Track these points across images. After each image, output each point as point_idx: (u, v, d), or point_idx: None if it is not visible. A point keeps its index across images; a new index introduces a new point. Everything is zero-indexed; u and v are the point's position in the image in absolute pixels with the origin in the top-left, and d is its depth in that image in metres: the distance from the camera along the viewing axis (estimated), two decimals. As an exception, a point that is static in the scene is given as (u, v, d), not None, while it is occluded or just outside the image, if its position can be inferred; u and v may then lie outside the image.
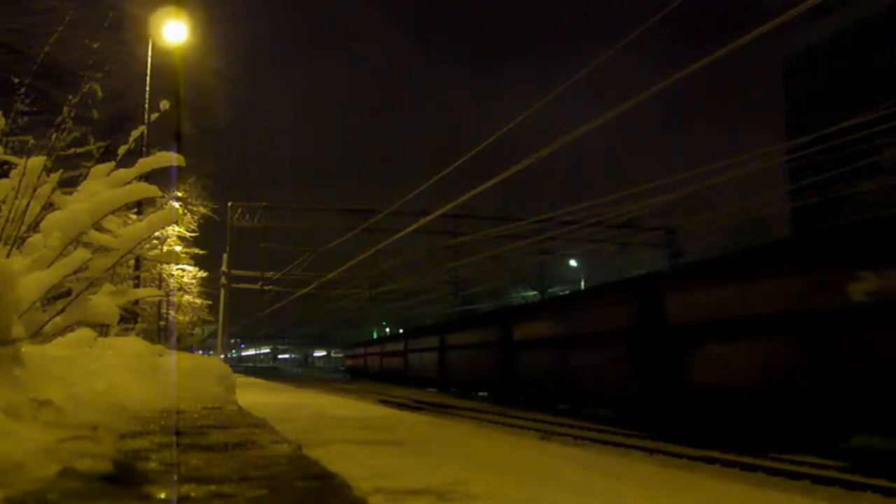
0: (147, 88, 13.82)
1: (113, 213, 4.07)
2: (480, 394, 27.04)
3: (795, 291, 11.31)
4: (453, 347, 30.02)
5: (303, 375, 62.94)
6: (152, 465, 1.84)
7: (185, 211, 20.76)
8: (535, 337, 21.48)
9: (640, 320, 15.59)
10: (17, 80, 4.42)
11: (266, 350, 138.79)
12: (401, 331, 55.51)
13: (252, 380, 27.18)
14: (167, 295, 19.43)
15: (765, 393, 11.89)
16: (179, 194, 17.11)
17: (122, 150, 4.59)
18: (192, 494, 1.50)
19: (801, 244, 13.60)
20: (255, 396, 12.49)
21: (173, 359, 4.50)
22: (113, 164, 4.33)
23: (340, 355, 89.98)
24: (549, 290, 42.35)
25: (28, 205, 3.78)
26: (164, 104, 4.77)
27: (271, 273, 34.89)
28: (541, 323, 21.64)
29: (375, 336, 71.50)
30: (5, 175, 3.93)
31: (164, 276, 19.63)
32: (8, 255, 3.59)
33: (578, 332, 18.55)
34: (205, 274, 26.68)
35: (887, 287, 9.77)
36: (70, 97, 4.30)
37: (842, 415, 10.49)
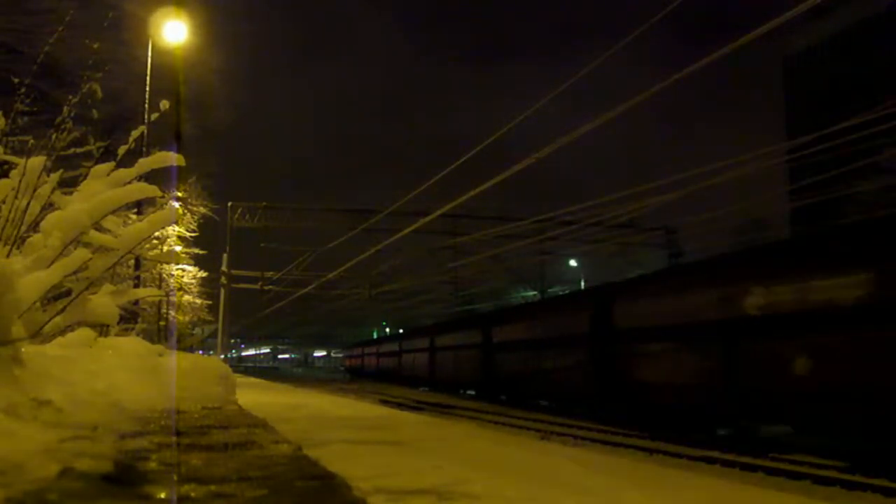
0: (147, 88, 13.81)
1: (113, 213, 4.07)
2: (469, 392, 28.68)
3: (706, 304, 13.50)
4: (442, 349, 31.94)
5: (303, 375, 62.95)
6: (152, 465, 1.84)
7: (185, 211, 20.75)
8: (511, 339, 23.51)
9: (593, 326, 17.90)
10: (17, 80, 4.42)
11: (266, 350, 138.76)
12: (400, 331, 55.91)
13: (252, 380, 27.17)
14: (167, 295, 19.41)
15: (685, 387, 14.16)
16: (179, 194, 17.09)
17: (122, 150, 4.59)
18: (192, 494, 1.50)
19: (712, 264, 15.84)
20: (255, 396, 12.48)
21: (173, 359, 4.50)
22: (113, 164, 4.33)
23: (340, 355, 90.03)
24: (550, 290, 42.34)
25: (28, 205, 3.78)
26: (164, 104, 4.77)
27: (271, 273, 34.89)
28: (516, 326, 23.78)
29: (375, 336, 71.55)
30: (5, 175, 3.93)
31: (164, 276, 19.62)
32: (8, 255, 3.59)
33: (546, 335, 20.75)
34: (205, 274, 26.70)
35: (774, 302, 11.87)
36: (70, 97, 4.30)
37: (740, 406, 12.80)
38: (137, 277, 14.27)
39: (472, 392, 28.18)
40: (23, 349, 2.61)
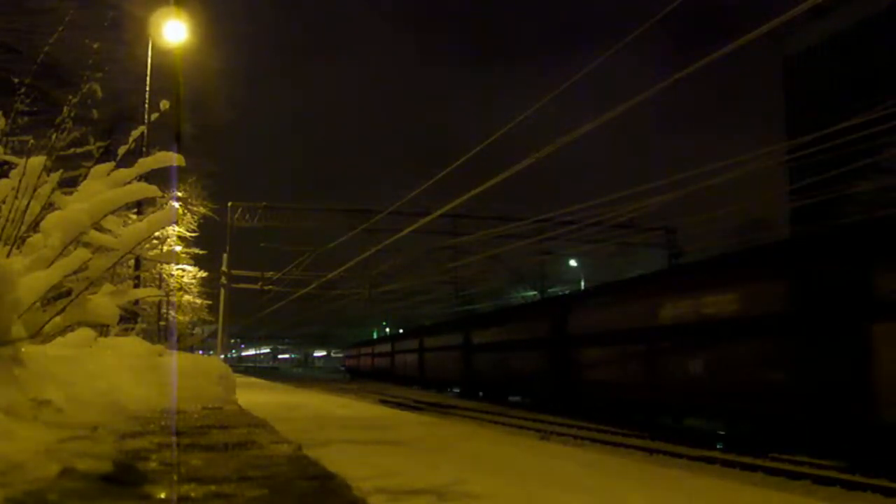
0: (147, 88, 13.81)
1: (113, 213, 4.07)
2: (455, 390, 31.43)
3: (634, 315, 16.33)
4: (429, 349, 34.80)
5: (303, 375, 62.97)
6: (152, 465, 1.84)
7: (185, 211, 20.76)
8: (486, 342, 26.55)
9: (553, 331, 20.81)
10: (17, 80, 4.41)
11: (266, 350, 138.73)
12: (399, 330, 56.23)
13: (252, 380, 27.18)
14: (167, 295, 19.42)
15: (620, 383, 17.02)
16: (179, 194, 17.10)
17: (122, 150, 4.58)
18: (192, 494, 1.50)
19: (640, 281, 19.22)
20: (255, 396, 12.49)
21: (173, 359, 4.49)
22: (113, 164, 4.33)
23: (340, 355, 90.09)
24: (550, 290, 42.33)
25: (28, 205, 3.77)
26: (164, 104, 4.76)
27: (271, 273, 34.87)
28: (490, 330, 26.83)
29: (375, 336, 71.61)
30: (5, 175, 3.93)
31: (164, 276, 19.63)
32: (8, 255, 3.59)
33: (515, 338, 23.84)
34: (205, 274, 26.71)
35: (681, 314, 14.54)
36: (70, 97, 4.29)
37: (659, 400, 15.52)
38: (137, 277, 14.27)
39: (458, 390, 31.12)
40: (23, 349, 2.61)
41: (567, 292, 32.06)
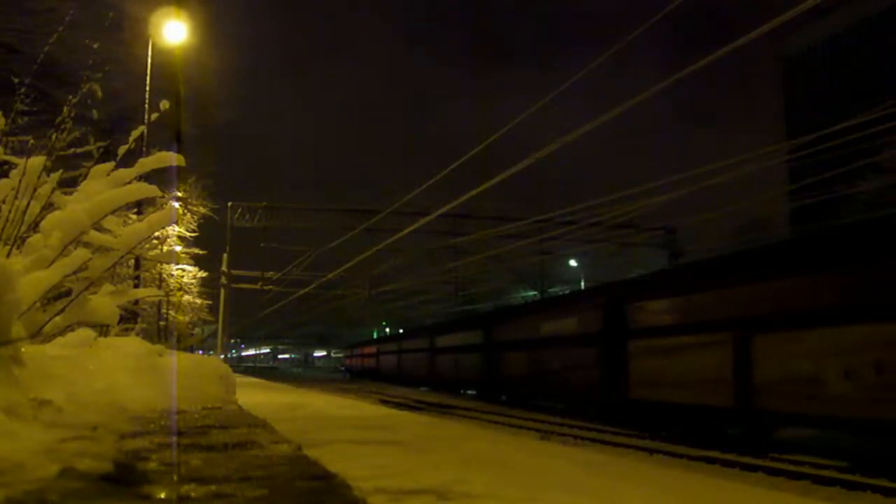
0: (147, 88, 13.81)
1: (113, 213, 4.07)
2: (423, 388, 35.73)
3: (531, 327, 22.88)
4: (405, 351, 40.79)
5: (303, 375, 62.93)
6: (152, 465, 1.84)
7: (185, 211, 20.75)
8: (447, 346, 32.58)
9: (484, 339, 27.08)
10: (17, 80, 4.42)
11: (266, 350, 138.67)
12: (401, 331, 56.51)
13: (252, 380, 27.17)
14: (167, 295, 19.41)
15: (520, 375, 23.69)
16: (179, 194, 17.10)
17: (122, 150, 4.59)
18: (192, 494, 1.50)
19: (537, 303, 30.89)
20: (255, 396, 12.49)
21: (173, 359, 4.50)
22: (113, 164, 4.33)
23: (340, 355, 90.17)
24: (550, 290, 42.33)
25: (28, 205, 3.78)
26: (164, 104, 4.77)
27: (271, 273, 34.87)
28: (452, 336, 32.44)
29: (375, 336, 71.70)
30: (5, 175, 3.93)
31: (164, 276, 19.62)
32: (8, 255, 3.59)
33: (463, 343, 29.90)
34: (205, 274, 26.69)
35: (555, 328, 20.93)
36: (70, 97, 4.29)
37: (537, 387, 22.47)
38: (137, 277, 14.27)
39: (426, 388, 35.50)
40: (23, 349, 2.61)
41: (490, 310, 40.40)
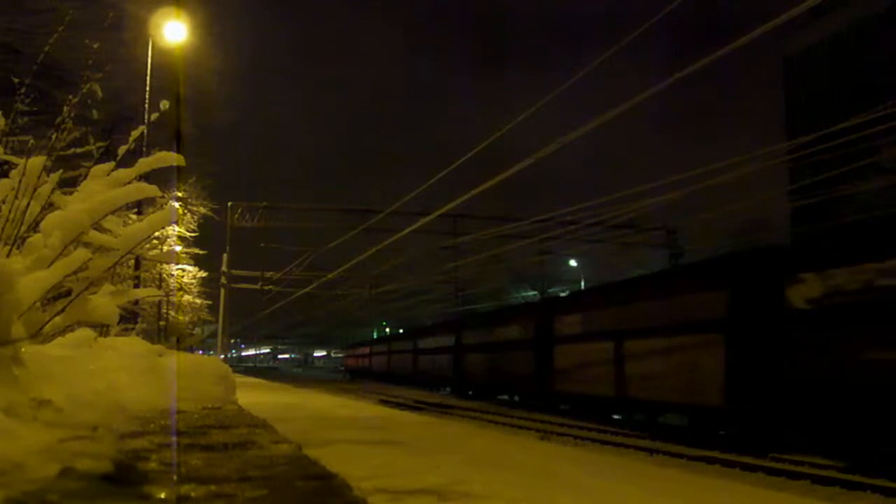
0: (147, 88, 13.81)
1: (113, 213, 4.07)
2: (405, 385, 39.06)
3: (489, 333, 27.50)
4: (393, 352, 44.85)
5: (303, 375, 62.93)
6: (152, 465, 1.84)
7: (185, 211, 20.74)
8: (427, 348, 36.54)
9: (455, 342, 31.13)
10: (17, 80, 4.41)
11: (266, 350, 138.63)
12: (402, 331, 57.04)
13: (252, 380, 27.16)
14: (167, 295, 19.40)
15: (480, 372, 27.97)
16: (179, 194, 17.09)
17: (122, 150, 4.58)
18: (192, 494, 1.50)
19: (494, 312, 34.16)
20: (255, 396, 12.49)
21: (173, 359, 4.49)
22: (113, 164, 4.33)
23: (341, 355, 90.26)
24: (550, 290, 42.33)
25: (28, 205, 3.77)
26: (164, 104, 4.77)
27: (271, 273, 34.84)
28: (430, 338, 36.54)
29: (375, 336, 71.79)
30: (5, 175, 3.93)
31: (164, 276, 19.61)
32: (8, 255, 3.59)
33: (431, 346, 35.57)
34: (205, 274, 26.67)
35: (505, 334, 25.52)
36: (70, 97, 4.29)
37: (497, 382, 26.71)
38: (137, 277, 14.26)
39: (409, 384, 39.12)
40: (23, 349, 2.61)
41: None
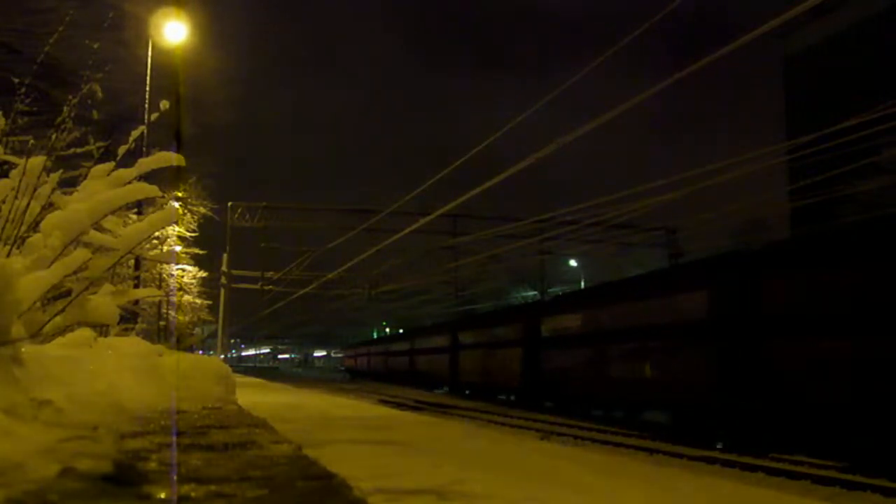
0: (147, 88, 13.81)
1: (113, 213, 4.07)
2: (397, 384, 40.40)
3: (482, 334, 28.88)
4: (393, 353, 46.17)
5: (302, 375, 62.94)
6: (152, 465, 1.84)
7: (185, 211, 20.75)
8: (424, 348, 37.72)
9: (451, 342, 31.93)
10: (17, 80, 4.41)
11: (266, 350, 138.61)
12: (401, 332, 57.22)
13: (252, 380, 27.15)
14: (167, 295, 19.41)
15: (474, 370, 28.88)
16: (179, 194, 17.09)
17: (122, 150, 4.58)
18: (192, 494, 1.50)
19: (488, 314, 36.19)
20: (255, 396, 12.47)
21: (173, 359, 4.49)
22: (113, 164, 4.33)
23: (340, 355, 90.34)
24: (550, 290, 42.33)
25: (28, 205, 3.78)
26: (164, 104, 4.76)
27: (271, 273, 34.84)
28: (428, 339, 37.54)
29: (375, 336, 71.86)
30: (5, 175, 3.93)
31: (164, 276, 19.62)
32: (8, 255, 3.59)
33: (427, 346, 36.78)
34: (205, 274, 26.72)
35: (498, 335, 26.60)
36: (70, 97, 4.29)
37: (489, 380, 27.26)
38: (137, 277, 14.28)
39: (406, 384, 40.00)
40: (23, 349, 2.61)
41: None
